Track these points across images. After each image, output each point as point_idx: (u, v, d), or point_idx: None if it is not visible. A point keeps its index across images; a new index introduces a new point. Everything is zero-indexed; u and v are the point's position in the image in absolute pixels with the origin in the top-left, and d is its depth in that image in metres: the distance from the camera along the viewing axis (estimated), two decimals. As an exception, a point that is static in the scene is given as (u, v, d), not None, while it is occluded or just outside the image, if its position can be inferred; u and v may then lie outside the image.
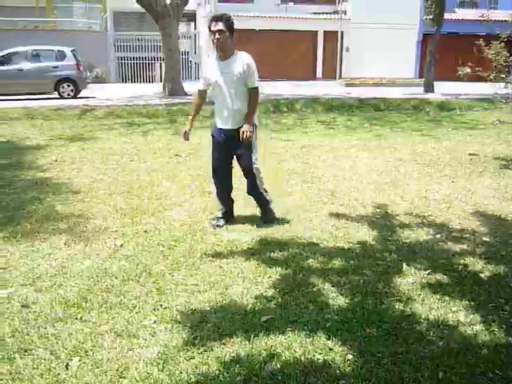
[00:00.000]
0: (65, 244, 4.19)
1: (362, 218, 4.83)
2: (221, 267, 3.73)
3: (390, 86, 21.46)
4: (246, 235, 4.34)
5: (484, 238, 4.35)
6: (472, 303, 3.19)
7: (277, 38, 23.58)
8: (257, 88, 4.30)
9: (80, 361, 2.61)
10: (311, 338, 2.78)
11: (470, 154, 7.75)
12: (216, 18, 4.14)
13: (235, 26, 4.21)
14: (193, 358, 2.63)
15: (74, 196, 5.57)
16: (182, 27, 21.97)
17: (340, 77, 24.16)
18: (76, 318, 3.02)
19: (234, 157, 4.50)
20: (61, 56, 16.24)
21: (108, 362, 2.60)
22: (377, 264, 3.78)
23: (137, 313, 3.09)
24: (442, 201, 5.42)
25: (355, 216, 4.91)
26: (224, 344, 2.74)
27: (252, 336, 2.79)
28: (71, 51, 16.37)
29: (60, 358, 2.64)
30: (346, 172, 6.69)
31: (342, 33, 24.19)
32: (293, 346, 2.72)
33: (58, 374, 2.51)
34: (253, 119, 4.34)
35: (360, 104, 14.21)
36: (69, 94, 16.01)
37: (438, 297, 3.27)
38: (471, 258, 3.90)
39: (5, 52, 15.92)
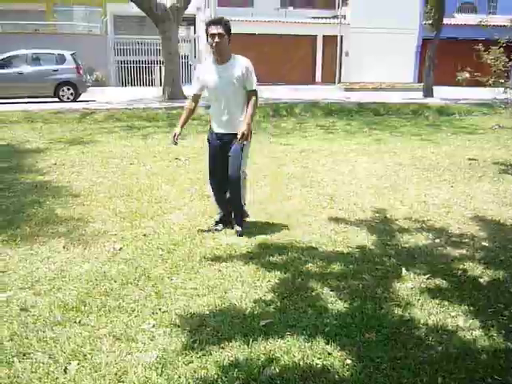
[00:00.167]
0: (64, 247, 4.19)
1: (361, 223, 4.83)
2: (220, 271, 3.73)
3: (389, 90, 21.48)
4: (245, 239, 4.34)
5: (483, 243, 4.36)
6: (471, 308, 3.19)
7: (276, 42, 23.61)
8: (256, 91, 4.30)
9: (78, 364, 2.61)
10: (310, 343, 2.78)
11: (470, 159, 7.76)
12: (215, 22, 4.16)
13: (234, 30, 4.23)
14: (191, 362, 2.63)
15: (73, 199, 5.57)
16: (182, 31, 22.00)
17: (339, 81, 24.18)
18: (75, 322, 3.02)
19: None
20: (61, 59, 16.26)
21: (106, 365, 2.60)
22: (376, 269, 3.78)
23: (135, 316, 3.08)
24: (442, 205, 5.43)
25: (354, 220, 4.91)
26: (223, 348, 2.74)
27: (251, 340, 2.78)
28: (71, 55, 16.40)
29: (58, 361, 2.63)
30: (346, 176, 6.70)
31: (342, 37, 24.23)
32: (291, 350, 2.72)
33: (57, 378, 2.51)
34: (251, 121, 4.32)
35: (359, 108, 14.23)
36: (68, 98, 16.02)
37: (437, 302, 3.27)
38: (470, 263, 3.90)
39: (5, 55, 15.94)
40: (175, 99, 15.67)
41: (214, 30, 4.10)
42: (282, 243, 4.26)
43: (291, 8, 24.92)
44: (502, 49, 9.10)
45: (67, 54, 16.34)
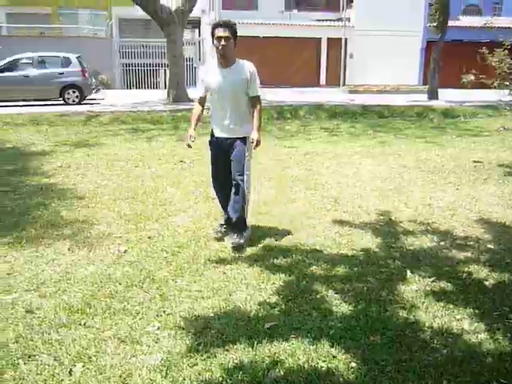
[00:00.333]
0: (69, 250, 4.20)
1: (365, 225, 4.83)
2: (224, 273, 3.74)
3: (393, 93, 21.44)
4: (250, 241, 4.34)
5: (488, 246, 4.34)
6: (476, 311, 3.17)
7: (281, 44, 23.63)
8: (259, 96, 4.30)
9: (83, 367, 2.62)
10: (315, 346, 2.77)
11: (475, 161, 7.74)
12: (222, 24, 4.11)
13: (239, 33, 4.22)
14: (196, 364, 2.63)
15: (78, 202, 5.59)
16: (187, 34, 22.11)
17: (344, 84, 24.19)
18: (80, 324, 3.03)
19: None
20: (66, 62, 16.34)
21: (111, 368, 2.60)
22: (380, 271, 3.78)
23: (140, 319, 3.09)
24: (446, 208, 5.41)
25: (359, 223, 4.90)
26: (227, 351, 2.74)
27: (255, 343, 2.78)
28: (76, 58, 16.47)
29: (63, 363, 2.64)
30: (350, 179, 6.69)
31: (346, 40, 24.24)
32: (296, 353, 2.71)
33: (62, 380, 2.51)
34: (260, 127, 4.31)
35: (364, 111, 14.22)
36: (74, 101, 16.09)
37: (442, 304, 3.26)
38: (475, 266, 3.89)
39: (11, 58, 16.03)
40: (180, 102, 15.72)
41: (220, 32, 4.06)
42: (287, 246, 4.26)
43: (296, 11, 24.94)
44: (506, 51, 9.10)
45: (73, 56, 16.42)
